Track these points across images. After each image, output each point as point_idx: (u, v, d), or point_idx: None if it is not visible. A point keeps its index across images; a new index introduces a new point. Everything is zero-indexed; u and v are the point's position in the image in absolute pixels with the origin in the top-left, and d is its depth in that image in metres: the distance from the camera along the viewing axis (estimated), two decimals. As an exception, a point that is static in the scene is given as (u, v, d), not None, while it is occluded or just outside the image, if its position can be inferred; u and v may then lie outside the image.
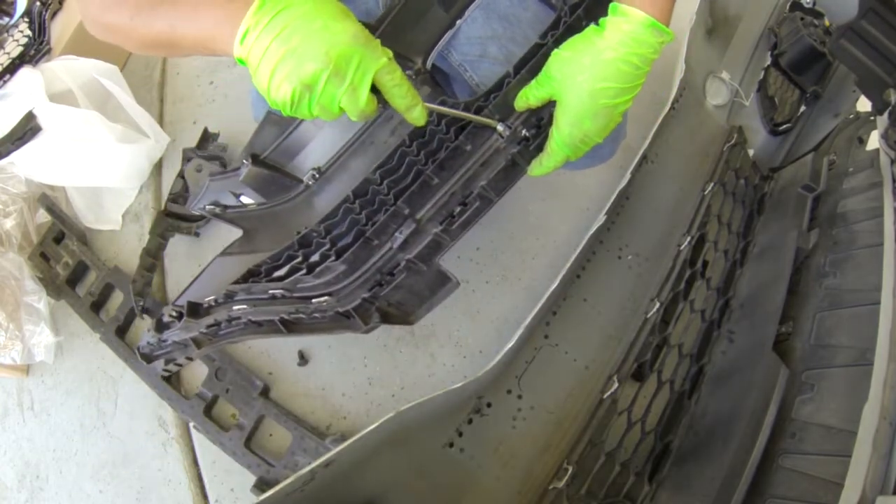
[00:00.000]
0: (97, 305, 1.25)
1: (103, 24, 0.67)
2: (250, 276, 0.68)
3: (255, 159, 0.75)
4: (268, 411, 1.04)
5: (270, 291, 0.66)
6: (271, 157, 0.78)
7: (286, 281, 0.66)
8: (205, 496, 1.04)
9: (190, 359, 0.72)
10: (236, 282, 0.67)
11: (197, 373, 1.13)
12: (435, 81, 0.77)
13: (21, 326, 1.23)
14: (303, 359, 1.11)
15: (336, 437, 1.00)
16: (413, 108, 0.61)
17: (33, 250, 1.34)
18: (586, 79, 0.62)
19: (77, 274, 1.30)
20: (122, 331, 1.19)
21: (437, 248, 0.68)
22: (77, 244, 1.31)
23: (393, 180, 0.70)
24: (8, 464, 1.23)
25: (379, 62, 0.57)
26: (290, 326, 0.68)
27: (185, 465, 1.07)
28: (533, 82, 0.67)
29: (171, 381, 1.12)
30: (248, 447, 1.02)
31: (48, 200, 1.37)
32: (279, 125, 0.83)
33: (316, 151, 0.77)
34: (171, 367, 0.75)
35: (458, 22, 0.82)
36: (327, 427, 1.05)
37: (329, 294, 0.66)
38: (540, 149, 0.70)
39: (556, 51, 0.65)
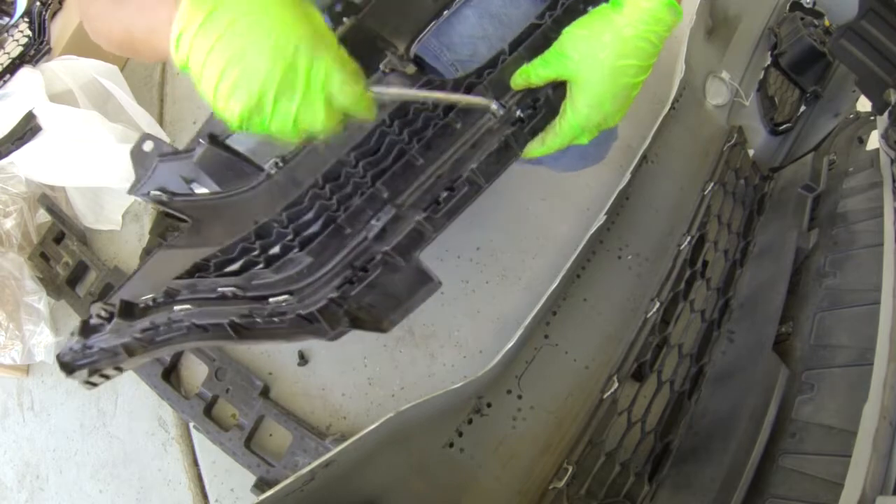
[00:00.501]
0: (97, 305, 1.25)
1: (81, 11, 0.63)
2: (197, 270, 0.58)
3: (213, 139, 0.65)
4: (268, 411, 1.04)
5: (220, 289, 0.55)
6: (234, 137, 0.69)
7: (240, 276, 0.56)
8: (205, 496, 1.04)
9: (119, 369, 0.58)
10: (180, 277, 0.57)
11: (197, 373, 1.13)
12: (420, 65, 0.73)
13: (21, 326, 1.23)
14: (303, 359, 1.11)
15: (336, 437, 1.00)
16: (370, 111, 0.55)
17: (33, 250, 1.34)
18: (608, 56, 0.60)
19: (77, 274, 1.30)
20: (122, 331, 1.19)
21: (419, 240, 0.59)
22: (77, 244, 1.31)
23: (370, 162, 0.62)
24: (8, 464, 1.23)
25: (331, 67, 0.49)
26: (241, 332, 0.55)
27: (185, 465, 1.07)
28: (538, 60, 0.64)
29: (171, 381, 1.12)
30: (248, 447, 1.02)
31: (48, 200, 1.37)
32: None
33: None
34: (97, 378, 0.58)
35: (446, 13, 0.79)
36: (327, 427, 1.05)
37: (290, 293, 0.55)
38: (535, 132, 0.66)
39: (568, 29, 0.62)
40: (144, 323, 0.56)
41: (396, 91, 0.61)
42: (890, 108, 0.92)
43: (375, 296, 0.58)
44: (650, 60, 0.62)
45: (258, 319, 0.55)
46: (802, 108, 1.49)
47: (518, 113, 0.64)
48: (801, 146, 1.42)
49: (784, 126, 1.47)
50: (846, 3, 0.90)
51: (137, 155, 0.68)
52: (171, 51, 0.48)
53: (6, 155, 1.25)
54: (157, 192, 0.66)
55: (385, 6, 0.73)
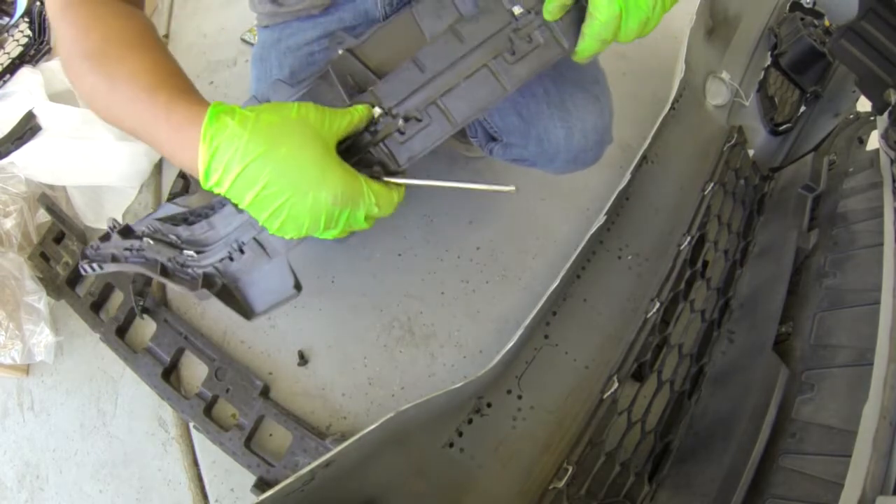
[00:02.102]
0: (97, 305, 1.24)
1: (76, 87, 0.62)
2: (171, 218, 0.69)
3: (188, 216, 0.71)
4: (268, 411, 1.04)
5: (170, 235, 0.67)
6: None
7: (186, 229, 0.66)
8: (205, 496, 1.04)
9: (101, 267, 0.75)
10: (162, 219, 0.68)
11: (197, 373, 1.13)
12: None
13: (21, 326, 1.23)
14: (303, 359, 1.11)
15: (336, 437, 1.00)
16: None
17: (33, 250, 1.34)
18: None
19: (77, 274, 1.30)
20: (122, 331, 1.19)
21: (279, 239, 0.63)
22: (77, 244, 1.31)
23: None
24: (8, 464, 1.23)
25: (366, 209, 0.54)
26: (164, 272, 0.68)
27: (185, 465, 1.07)
28: None
29: (171, 381, 1.12)
30: (248, 447, 1.02)
31: (48, 200, 1.37)
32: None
33: None
34: (86, 266, 0.75)
35: None
36: (327, 427, 1.05)
37: (198, 252, 0.65)
38: (413, 148, 0.63)
39: None
40: (127, 243, 0.71)
41: (421, 182, 0.63)
42: (890, 108, 0.92)
43: (248, 280, 0.67)
44: None
45: (176, 266, 0.68)
46: (802, 108, 1.49)
47: (400, 122, 0.63)
48: (801, 146, 1.42)
49: (784, 126, 1.47)
50: (846, 3, 0.90)
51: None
52: (202, 182, 0.52)
53: (6, 155, 1.25)
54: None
55: (380, 41, 0.74)
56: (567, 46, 0.62)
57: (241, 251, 0.65)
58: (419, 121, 0.63)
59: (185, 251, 0.67)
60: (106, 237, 0.75)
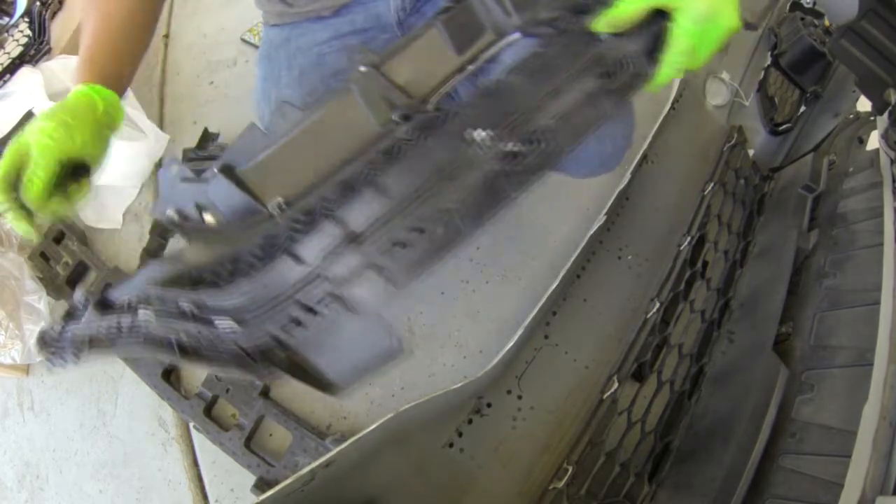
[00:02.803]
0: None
1: None
2: (172, 282, 0.55)
3: (226, 170, 0.62)
4: (268, 411, 1.04)
5: (180, 303, 0.52)
6: (247, 170, 0.63)
7: (199, 291, 0.52)
8: (205, 496, 1.04)
9: (77, 358, 0.58)
10: (157, 283, 0.55)
11: (197, 373, 1.13)
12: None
13: (21, 326, 1.23)
14: (303, 359, 1.11)
15: (336, 437, 1.00)
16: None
17: (33, 250, 1.34)
18: None
19: (77, 274, 1.30)
20: (122, 331, 1.19)
21: (377, 287, 0.53)
22: (77, 244, 1.31)
23: (345, 195, 0.56)
24: (8, 464, 1.23)
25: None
26: (185, 352, 0.53)
27: (185, 465, 1.07)
28: None
29: (171, 381, 1.12)
30: (248, 447, 1.02)
31: (48, 200, 1.37)
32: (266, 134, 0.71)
33: (296, 175, 0.62)
34: (55, 359, 0.59)
35: (471, 67, 0.77)
36: (327, 427, 1.05)
37: (239, 321, 0.51)
38: (532, 170, 0.57)
39: None
40: (112, 321, 0.55)
41: None
42: (890, 108, 0.92)
43: (324, 347, 0.53)
44: None
45: (203, 343, 0.52)
46: (802, 108, 1.49)
47: (510, 146, 0.54)
48: (801, 146, 1.42)
49: (784, 126, 1.47)
50: (846, 3, 0.90)
51: (163, 175, 0.68)
52: None
53: (6, 155, 1.25)
54: (172, 213, 0.65)
55: (407, 56, 0.68)
56: (651, 74, 0.61)
57: (314, 312, 0.51)
58: (533, 143, 0.55)
59: (219, 322, 0.52)
60: (71, 316, 0.59)
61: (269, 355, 0.52)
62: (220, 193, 0.62)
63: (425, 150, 0.53)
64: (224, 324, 0.52)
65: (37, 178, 0.64)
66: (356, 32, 0.94)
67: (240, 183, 0.62)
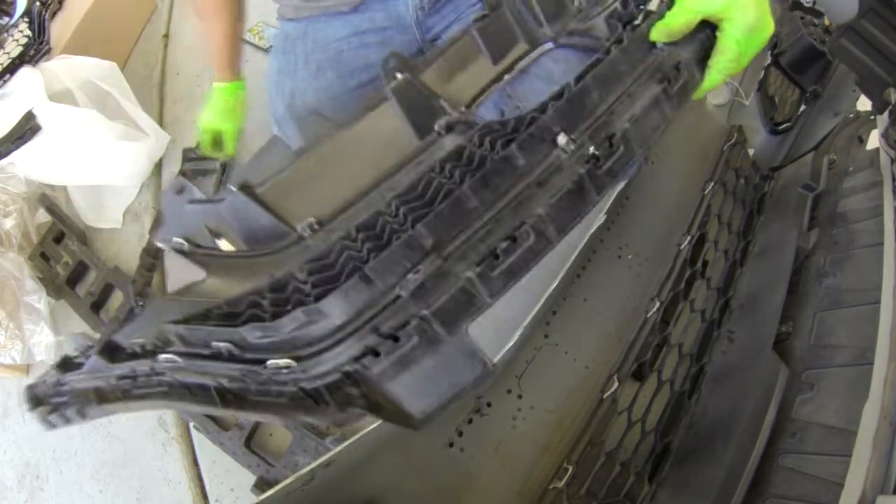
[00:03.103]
0: (97, 305, 1.25)
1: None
2: (200, 318, 0.46)
3: (245, 189, 0.57)
4: (268, 411, 1.04)
5: (214, 343, 0.44)
6: (268, 190, 0.58)
7: (238, 328, 0.43)
8: (205, 496, 1.04)
9: (83, 416, 0.48)
10: (182, 322, 0.45)
11: (197, 373, 1.13)
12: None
13: (21, 326, 1.23)
14: (303, 359, 1.11)
15: (336, 437, 1.00)
16: None
17: (33, 250, 1.34)
18: None
19: (77, 274, 1.30)
20: (122, 331, 1.19)
21: (469, 305, 0.48)
22: (77, 244, 1.31)
23: (413, 207, 0.49)
24: (8, 464, 1.23)
25: None
26: (228, 400, 0.43)
27: (185, 465, 1.07)
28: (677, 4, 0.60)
29: (171, 381, 1.12)
30: (248, 447, 1.02)
31: (48, 200, 1.37)
32: (290, 148, 0.69)
33: (328, 193, 0.57)
34: (56, 419, 0.49)
35: (507, 77, 0.73)
36: (327, 427, 1.05)
37: (296, 358, 0.43)
38: (613, 174, 0.54)
39: None
40: (124, 369, 0.47)
41: None
42: (890, 107, 0.91)
43: (406, 377, 0.44)
44: None
45: (251, 386, 0.44)
46: (802, 107, 1.49)
47: (591, 149, 0.51)
48: (801, 146, 1.42)
49: (784, 125, 1.47)
50: (846, 3, 0.90)
51: (166, 197, 0.63)
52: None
53: (6, 155, 1.25)
54: (179, 241, 0.58)
55: (445, 67, 0.67)
56: (700, 80, 0.62)
57: (395, 339, 0.44)
58: (612, 147, 0.53)
59: (270, 361, 0.43)
60: (69, 366, 0.50)
61: (342, 395, 0.43)
62: (238, 214, 0.57)
63: (507, 157, 0.49)
64: (278, 362, 0.43)
65: (227, 145, 1.17)
66: (375, 31, 0.94)
67: (261, 203, 0.57)
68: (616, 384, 0.97)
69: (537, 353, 1.01)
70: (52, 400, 0.52)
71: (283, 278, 0.47)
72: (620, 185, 0.56)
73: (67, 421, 0.50)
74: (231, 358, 0.44)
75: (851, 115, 1.30)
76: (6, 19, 1.51)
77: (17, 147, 1.24)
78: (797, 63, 1.44)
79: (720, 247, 1.17)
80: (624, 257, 1.14)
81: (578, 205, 0.52)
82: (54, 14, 1.54)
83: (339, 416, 0.42)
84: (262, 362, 0.43)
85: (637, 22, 0.63)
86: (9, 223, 1.32)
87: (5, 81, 1.33)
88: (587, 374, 1.01)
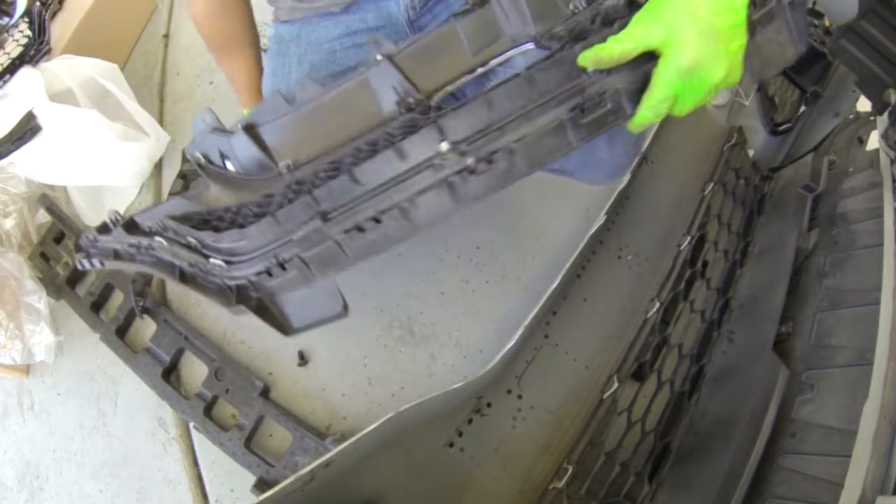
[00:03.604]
0: (97, 305, 1.24)
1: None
2: (185, 218, 0.67)
3: (249, 128, 0.73)
4: (268, 411, 1.04)
5: (188, 237, 0.64)
6: (265, 130, 0.74)
7: (203, 232, 0.63)
8: (205, 496, 1.04)
9: (102, 264, 0.72)
10: (173, 217, 0.66)
11: (197, 373, 1.13)
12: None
13: (21, 326, 1.23)
14: (303, 359, 1.11)
15: (336, 437, 1.00)
16: None
17: (33, 250, 1.34)
18: (704, 12, 0.55)
19: (77, 274, 1.30)
20: (122, 331, 1.19)
21: (333, 261, 0.60)
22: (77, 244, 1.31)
23: (331, 175, 0.63)
24: (8, 464, 1.23)
25: None
26: (184, 277, 0.66)
27: (185, 465, 1.07)
28: (621, 33, 0.57)
29: (171, 381, 1.12)
30: (248, 447, 1.02)
31: (48, 200, 1.37)
32: (288, 102, 0.78)
33: (306, 142, 0.73)
34: (86, 261, 0.73)
35: (480, 69, 0.75)
36: (327, 427, 1.05)
37: (227, 262, 0.62)
38: (486, 186, 0.59)
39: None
40: (134, 240, 0.68)
41: None
42: (890, 108, 0.92)
43: (287, 296, 0.64)
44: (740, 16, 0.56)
45: (199, 273, 0.65)
46: (802, 108, 1.49)
47: (470, 160, 0.58)
48: (801, 146, 1.42)
49: (784, 126, 1.47)
50: (846, 3, 0.90)
51: (197, 122, 0.81)
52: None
53: (6, 155, 1.25)
54: (199, 156, 0.76)
55: (422, 51, 0.72)
56: (630, 113, 0.61)
57: (283, 268, 0.61)
58: (491, 163, 0.58)
59: (213, 259, 0.63)
60: (105, 229, 0.72)
61: (244, 294, 0.64)
62: (241, 147, 0.74)
63: (400, 150, 0.58)
64: (216, 261, 0.63)
65: None
66: (367, 31, 0.94)
67: (258, 141, 0.73)
68: (616, 384, 0.97)
69: (537, 353, 1.01)
70: (89, 250, 0.74)
71: (242, 204, 0.65)
72: (491, 193, 0.57)
73: (92, 265, 0.72)
74: (195, 250, 0.64)
75: (851, 116, 1.31)
76: (6, 19, 1.51)
77: (18, 147, 1.24)
78: (797, 64, 1.43)
79: (720, 247, 1.17)
80: (624, 258, 1.15)
81: (440, 207, 0.59)
82: (54, 14, 1.54)
83: (238, 308, 0.63)
84: (208, 258, 0.63)
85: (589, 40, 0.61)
86: (9, 223, 1.32)
87: (5, 81, 1.33)
88: (587, 374, 1.01)
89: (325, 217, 0.59)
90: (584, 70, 0.59)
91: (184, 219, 0.65)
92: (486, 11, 0.70)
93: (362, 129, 0.70)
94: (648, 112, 0.60)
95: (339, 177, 0.59)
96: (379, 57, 0.71)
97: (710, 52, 0.56)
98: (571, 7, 0.67)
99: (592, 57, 0.57)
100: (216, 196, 0.73)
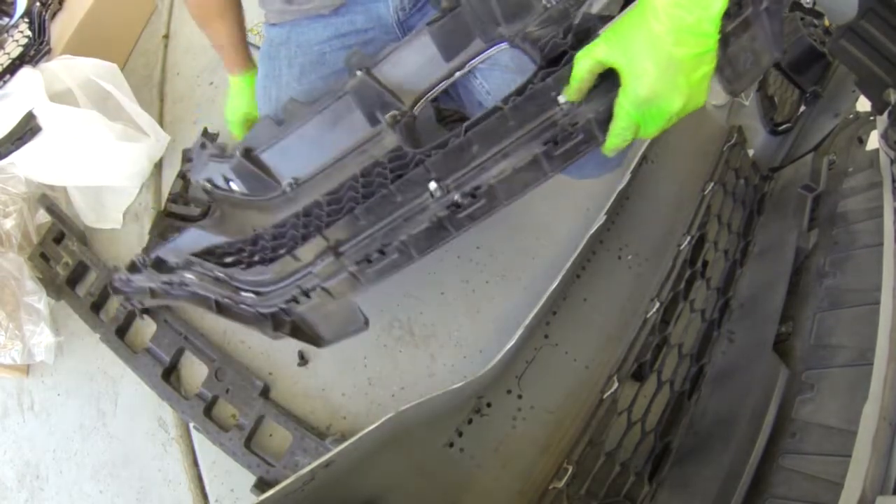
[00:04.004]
0: (97, 305, 1.24)
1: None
2: (207, 253, 0.75)
3: (246, 153, 0.79)
4: (268, 411, 1.04)
5: (216, 272, 0.73)
6: (263, 154, 0.80)
7: (229, 269, 0.72)
8: (205, 496, 1.04)
9: (142, 305, 0.84)
10: (196, 254, 0.74)
11: (197, 373, 1.13)
12: (412, 133, 0.74)
13: (21, 326, 1.23)
14: (303, 359, 1.11)
15: (336, 437, 1.00)
16: None
17: (33, 250, 1.34)
18: (664, 39, 0.54)
19: (77, 274, 1.30)
20: (122, 331, 1.19)
21: (352, 286, 0.70)
22: (77, 244, 1.31)
23: (334, 210, 0.72)
24: (8, 464, 1.23)
25: None
26: (220, 308, 0.77)
27: (185, 465, 1.07)
28: (581, 51, 0.58)
29: (171, 382, 1.12)
30: (248, 447, 1.02)
31: (48, 200, 1.37)
32: (279, 124, 0.84)
33: (303, 161, 0.80)
34: (126, 304, 0.85)
35: (457, 74, 0.80)
36: (327, 427, 1.05)
37: (257, 293, 0.72)
38: (472, 219, 0.67)
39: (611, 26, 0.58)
40: (166, 277, 0.79)
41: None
42: (890, 108, 0.92)
43: (316, 317, 0.74)
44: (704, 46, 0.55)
45: (233, 304, 0.75)
46: (802, 108, 1.49)
47: (456, 197, 0.65)
48: (801, 146, 1.42)
49: (784, 126, 1.47)
50: (846, 3, 0.90)
51: (195, 150, 0.90)
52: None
53: (6, 155, 1.25)
54: (206, 182, 0.84)
55: (398, 62, 0.77)
56: (601, 140, 0.63)
57: (308, 296, 0.71)
58: (474, 198, 0.65)
59: (244, 293, 0.73)
60: (134, 268, 0.82)
61: (279, 320, 0.74)
62: (241, 171, 0.81)
63: (393, 192, 0.66)
64: (248, 294, 0.73)
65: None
66: (357, 32, 0.94)
67: (258, 164, 0.80)
68: (616, 384, 0.97)
69: (537, 353, 1.01)
70: (126, 290, 0.86)
71: (259, 235, 0.75)
72: (477, 223, 0.66)
73: (132, 306, 0.87)
74: (225, 283, 0.73)
75: (851, 116, 1.31)
76: (6, 19, 1.50)
77: (17, 147, 1.24)
78: (797, 64, 1.44)
79: (720, 247, 1.17)
80: (624, 258, 1.15)
81: (436, 238, 0.67)
82: (54, 14, 1.53)
83: (272, 333, 0.73)
84: (239, 290, 0.73)
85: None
86: (9, 223, 1.32)
87: (5, 82, 1.33)
88: (587, 374, 1.01)
89: (336, 252, 0.68)
90: (555, 101, 0.62)
91: (207, 254, 0.75)
92: (457, 16, 0.72)
93: (353, 144, 0.78)
94: (615, 139, 0.61)
95: (343, 216, 0.68)
96: (358, 72, 0.75)
97: (668, 84, 0.55)
98: (544, 2, 0.68)
99: (575, 88, 0.59)
100: (229, 219, 0.81)
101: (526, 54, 0.72)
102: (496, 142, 0.63)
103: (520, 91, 0.63)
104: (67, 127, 1.25)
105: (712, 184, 1.21)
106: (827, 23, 1.45)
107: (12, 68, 1.35)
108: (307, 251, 0.69)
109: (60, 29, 1.52)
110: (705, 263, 1.15)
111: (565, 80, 0.61)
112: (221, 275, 0.72)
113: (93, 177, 1.33)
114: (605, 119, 0.61)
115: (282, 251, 0.72)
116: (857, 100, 1.35)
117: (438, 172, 0.65)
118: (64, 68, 1.34)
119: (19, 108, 1.25)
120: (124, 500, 1.10)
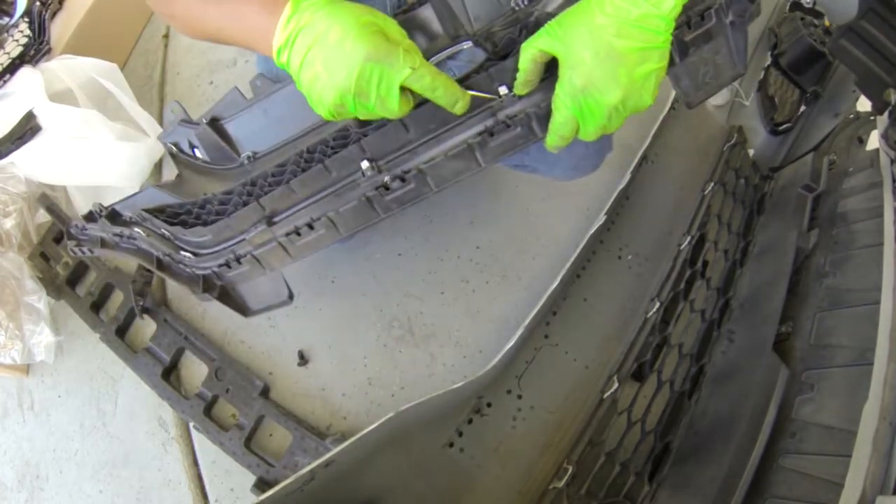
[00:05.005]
0: (97, 305, 1.24)
1: (163, 13, 0.74)
2: (158, 211, 0.75)
3: (213, 122, 0.80)
4: (268, 411, 1.04)
5: (162, 230, 0.73)
6: (229, 124, 0.81)
7: (173, 226, 0.73)
8: (205, 496, 1.04)
9: (91, 252, 0.83)
10: (148, 210, 0.74)
11: (197, 373, 1.13)
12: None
13: (21, 326, 1.23)
14: (303, 359, 1.11)
15: (336, 437, 1.00)
16: (455, 104, 0.58)
17: (33, 250, 1.34)
18: (606, 29, 0.54)
19: (77, 274, 1.30)
20: (122, 331, 1.19)
21: (280, 259, 0.71)
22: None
23: (276, 182, 0.72)
24: (8, 464, 1.23)
25: (401, 74, 0.54)
26: (161, 266, 0.77)
27: (185, 465, 1.07)
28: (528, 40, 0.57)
29: (171, 381, 1.12)
30: (248, 447, 1.02)
31: (48, 200, 1.37)
32: (245, 99, 0.84)
33: (264, 136, 0.81)
34: (76, 249, 0.84)
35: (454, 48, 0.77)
36: (327, 427, 1.05)
37: (195, 254, 0.73)
38: (400, 203, 0.67)
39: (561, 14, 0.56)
40: (117, 229, 0.78)
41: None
42: (890, 108, 0.92)
43: (245, 285, 0.77)
44: (654, 42, 0.53)
45: (172, 262, 0.77)
46: (802, 108, 1.49)
47: (385, 178, 0.66)
48: (801, 146, 1.42)
49: (784, 126, 1.47)
50: (846, 3, 0.90)
51: (168, 115, 0.95)
52: (275, 58, 0.59)
53: (6, 155, 1.25)
54: (171, 146, 0.84)
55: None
56: (541, 136, 0.63)
57: (239, 262, 0.72)
58: (403, 182, 0.66)
59: (182, 251, 0.74)
60: (91, 218, 0.80)
61: (210, 283, 0.75)
62: (206, 139, 0.82)
63: (328, 167, 0.67)
64: (186, 253, 0.74)
65: None
66: None
67: (222, 133, 0.81)
68: (616, 384, 0.97)
69: (537, 353, 1.01)
70: (80, 237, 0.84)
71: (207, 199, 0.74)
72: (405, 208, 0.67)
73: (83, 253, 0.83)
74: (168, 241, 0.74)
75: (851, 116, 1.31)
76: (6, 19, 1.50)
77: (18, 147, 1.24)
78: (797, 64, 1.44)
79: (720, 247, 1.17)
80: (624, 258, 1.15)
81: (362, 217, 0.68)
82: (54, 14, 1.53)
83: (204, 295, 0.75)
84: (179, 249, 0.74)
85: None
86: (9, 223, 1.32)
87: (5, 81, 1.33)
88: (587, 374, 1.01)
89: (269, 221, 0.69)
90: (496, 93, 0.62)
91: (157, 211, 0.74)
92: (424, 11, 0.73)
93: (311, 124, 0.79)
94: (553, 136, 0.60)
95: (280, 185, 0.69)
96: None
97: (605, 74, 0.54)
98: (513, 4, 0.68)
99: (522, 80, 0.59)
100: (187, 183, 0.82)
101: (485, 52, 0.72)
102: (433, 128, 0.64)
103: (461, 80, 0.62)
104: (67, 127, 1.25)
105: (712, 184, 1.21)
106: (827, 23, 1.45)
107: (12, 68, 1.35)
108: (244, 218, 0.70)
109: (60, 29, 1.52)
110: (705, 263, 1.15)
111: (510, 73, 0.61)
112: (167, 232, 0.73)
113: (93, 176, 1.33)
114: (546, 115, 0.61)
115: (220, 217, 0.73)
116: (857, 100, 1.35)
117: (372, 152, 0.65)
118: (64, 68, 1.34)
119: (19, 107, 1.25)
120: (124, 499, 1.10)
